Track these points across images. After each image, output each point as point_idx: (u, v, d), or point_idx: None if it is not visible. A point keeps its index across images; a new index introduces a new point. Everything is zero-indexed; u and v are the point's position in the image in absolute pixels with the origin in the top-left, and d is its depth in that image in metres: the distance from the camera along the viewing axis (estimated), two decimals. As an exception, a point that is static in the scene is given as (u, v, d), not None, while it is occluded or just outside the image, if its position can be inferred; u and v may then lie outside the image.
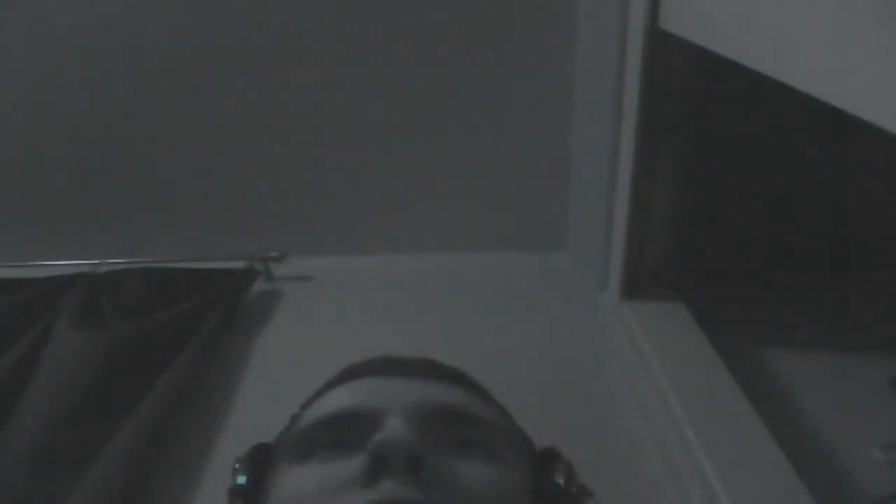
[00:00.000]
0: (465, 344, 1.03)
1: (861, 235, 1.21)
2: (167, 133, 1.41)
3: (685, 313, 1.12)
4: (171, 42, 1.34)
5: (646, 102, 1.03)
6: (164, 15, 1.32)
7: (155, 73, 1.36)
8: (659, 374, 1.00)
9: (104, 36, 1.34)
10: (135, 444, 0.95)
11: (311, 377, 0.68)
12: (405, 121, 1.39)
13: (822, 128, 1.10)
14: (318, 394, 0.65)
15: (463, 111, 1.38)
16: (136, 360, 1.10)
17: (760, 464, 0.82)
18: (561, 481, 0.61)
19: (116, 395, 1.03)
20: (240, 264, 1.35)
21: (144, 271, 1.31)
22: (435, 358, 0.67)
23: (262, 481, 0.61)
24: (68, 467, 0.93)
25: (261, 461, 0.63)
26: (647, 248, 1.17)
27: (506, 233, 1.46)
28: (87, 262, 1.36)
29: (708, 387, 0.96)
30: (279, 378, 1.12)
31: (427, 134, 1.40)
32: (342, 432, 0.56)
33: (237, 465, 0.63)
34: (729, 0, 0.75)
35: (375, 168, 1.43)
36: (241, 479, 0.62)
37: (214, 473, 0.97)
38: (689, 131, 1.10)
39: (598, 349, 1.17)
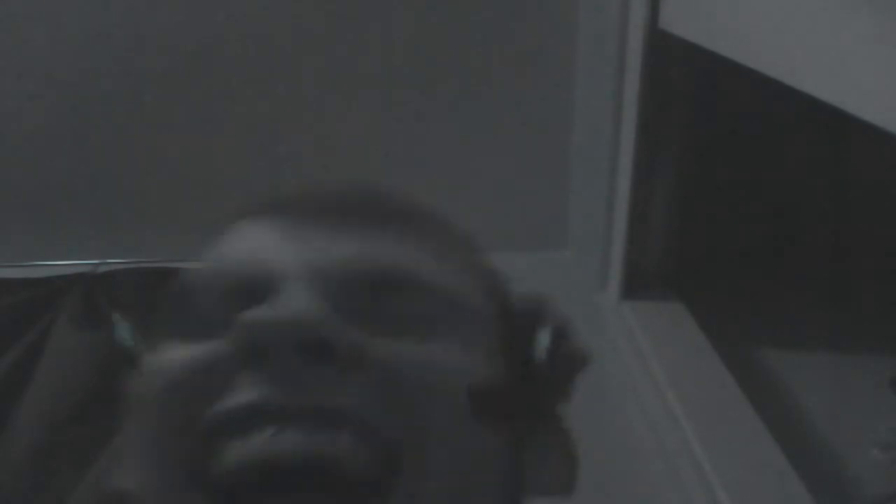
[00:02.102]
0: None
1: (861, 235, 1.21)
2: (168, 133, 1.41)
3: (685, 313, 1.12)
4: (171, 42, 1.34)
5: (646, 102, 1.03)
6: (163, 15, 1.32)
7: (157, 73, 1.36)
8: (659, 374, 1.00)
9: (104, 36, 1.34)
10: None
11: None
12: (405, 121, 1.39)
13: (822, 127, 1.10)
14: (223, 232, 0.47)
15: (463, 111, 1.38)
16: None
17: (760, 464, 0.82)
18: (542, 353, 0.45)
19: (117, 395, 1.03)
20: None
21: (145, 271, 1.31)
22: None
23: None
24: (69, 467, 0.93)
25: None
26: (647, 248, 1.17)
27: (506, 233, 1.46)
28: (87, 262, 1.36)
29: (708, 387, 0.96)
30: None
31: (427, 134, 1.40)
32: (223, 304, 0.40)
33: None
34: (729, 0, 0.75)
35: (375, 168, 1.43)
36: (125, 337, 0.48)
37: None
38: (689, 131, 1.10)
39: (598, 349, 1.17)
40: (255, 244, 0.42)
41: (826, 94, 0.54)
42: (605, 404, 1.05)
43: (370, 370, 0.36)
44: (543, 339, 0.46)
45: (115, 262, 1.35)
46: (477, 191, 1.44)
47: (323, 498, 0.35)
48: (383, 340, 0.37)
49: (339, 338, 0.36)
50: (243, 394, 0.35)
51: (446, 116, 1.38)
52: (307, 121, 1.40)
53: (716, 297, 1.15)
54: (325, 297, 0.38)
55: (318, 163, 1.44)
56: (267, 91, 1.37)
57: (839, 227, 1.21)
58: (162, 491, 0.38)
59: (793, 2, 0.61)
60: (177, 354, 0.39)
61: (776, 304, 1.18)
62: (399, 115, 1.39)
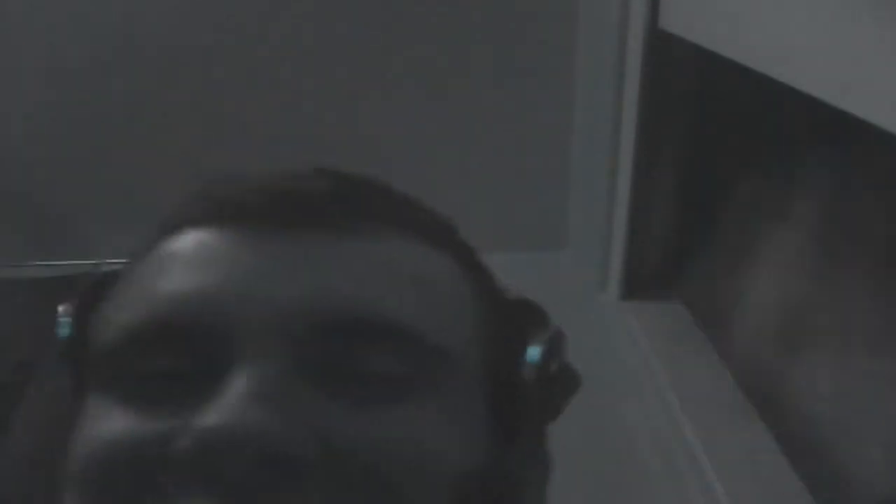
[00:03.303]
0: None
1: (861, 234, 1.21)
2: (168, 133, 1.41)
3: (685, 313, 1.12)
4: (170, 42, 1.34)
5: (646, 102, 1.03)
6: (164, 13, 1.32)
7: (158, 72, 1.36)
8: (659, 374, 1.00)
9: (104, 35, 1.34)
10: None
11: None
12: (404, 121, 1.39)
13: (822, 127, 1.09)
14: (152, 242, 0.38)
15: (463, 111, 1.38)
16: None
17: (760, 464, 0.82)
18: (531, 371, 0.38)
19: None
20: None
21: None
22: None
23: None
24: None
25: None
26: (647, 248, 1.17)
27: (506, 233, 1.46)
28: (87, 262, 1.36)
29: (708, 387, 0.96)
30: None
31: (426, 134, 1.40)
32: (167, 357, 0.32)
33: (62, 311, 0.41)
34: (729, 1, 0.75)
35: (374, 168, 1.43)
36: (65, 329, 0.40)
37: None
38: (689, 131, 1.10)
39: (598, 349, 1.17)
40: (197, 276, 0.33)
41: (826, 94, 0.54)
42: (606, 404, 1.05)
43: (340, 464, 0.30)
44: (534, 355, 0.39)
45: (115, 262, 1.35)
46: (477, 191, 1.44)
47: None
48: (355, 418, 0.31)
49: (306, 449, 0.30)
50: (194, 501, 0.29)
51: (446, 117, 1.38)
52: (308, 121, 1.40)
53: (716, 298, 1.15)
54: (288, 366, 0.31)
55: (318, 162, 1.44)
56: (269, 93, 1.37)
57: (840, 226, 1.20)
58: None
59: (793, 1, 0.61)
60: (115, 426, 0.32)
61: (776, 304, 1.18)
62: (399, 115, 1.39)
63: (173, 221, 0.37)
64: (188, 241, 0.35)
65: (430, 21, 1.32)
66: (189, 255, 0.34)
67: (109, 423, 0.33)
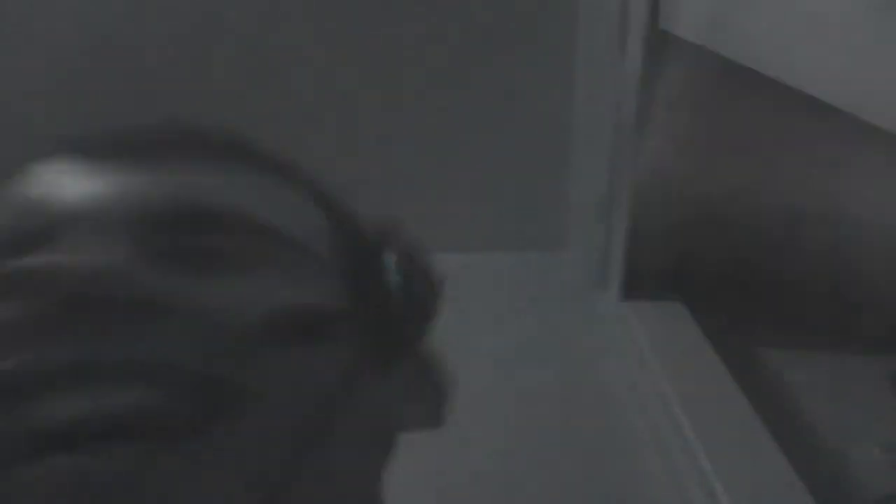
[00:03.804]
0: (465, 344, 1.03)
1: (861, 234, 1.21)
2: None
3: (685, 313, 1.12)
4: (171, 41, 1.34)
5: (646, 102, 1.03)
6: (164, 11, 1.32)
7: (157, 71, 1.36)
8: (659, 374, 1.00)
9: (104, 34, 1.34)
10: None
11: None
12: (404, 121, 1.39)
13: (822, 127, 1.09)
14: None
15: (462, 111, 1.38)
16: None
17: (760, 464, 0.82)
18: (391, 280, 0.40)
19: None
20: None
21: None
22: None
23: None
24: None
25: None
26: (647, 249, 1.17)
27: (505, 233, 1.47)
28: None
29: (708, 387, 0.96)
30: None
31: (425, 134, 1.40)
32: None
33: None
34: (729, 1, 0.75)
35: (374, 168, 1.43)
36: None
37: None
38: (689, 131, 1.10)
39: (598, 349, 1.17)
40: (38, 187, 0.36)
41: (827, 95, 0.54)
42: (605, 404, 1.05)
43: (179, 314, 0.33)
44: (389, 263, 0.41)
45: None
46: (476, 191, 1.44)
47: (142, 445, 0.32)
48: (191, 280, 0.33)
49: (141, 286, 0.32)
50: (45, 351, 0.31)
51: (445, 116, 1.39)
52: (307, 118, 1.40)
53: (716, 298, 1.15)
54: (119, 238, 0.33)
55: (318, 160, 1.44)
56: (268, 87, 1.37)
57: (839, 226, 1.20)
58: None
59: (793, 2, 0.61)
60: None
61: (776, 304, 1.18)
62: (398, 114, 1.39)
63: (29, 161, 0.40)
64: (36, 169, 0.38)
65: (429, 21, 1.32)
66: (35, 177, 0.37)
67: None
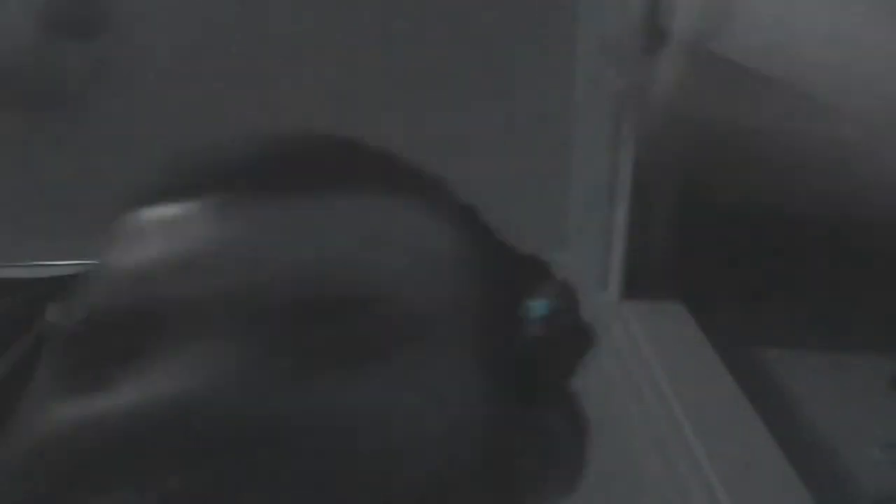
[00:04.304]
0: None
1: (861, 234, 1.21)
2: (168, 132, 1.41)
3: (685, 313, 1.12)
4: (169, 40, 1.34)
5: (646, 102, 1.03)
6: (163, 10, 1.32)
7: (156, 72, 1.36)
8: (659, 375, 1.00)
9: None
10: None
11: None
12: (403, 120, 1.39)
13: (823, 126, 1.09)
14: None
15: (462, 110, 1.38)
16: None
17: (760, 464, 0.82)
18: (536, 328, 0.36)
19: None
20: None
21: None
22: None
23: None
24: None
25: None
26: (648, 249, 1.17)
27: (505, 233, 1.46)
28: (88, 262, 1.36)
29: (708, 387, 0.96)
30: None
31: (425, 134, 1.40)
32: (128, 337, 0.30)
33: None
34: (729, 0, 0.75)
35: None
36: None
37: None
38: (689, 131, 1.10)
39: (598, 349, 1.17)
40: (162, 251, 0.31)
41: (829, 95, 0.54)
42: (605, 404, 1.05)
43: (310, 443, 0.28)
44: (538, 310, 0.38)
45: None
46: (476, 191, 1.44)
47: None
48: (324, 392, 0.29)
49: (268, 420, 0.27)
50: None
51: (445, 117, 1.38)
52: (306, 119, 1.40)
53: (716, 297, 1.15)
54: (253, 341, 0.28)
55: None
56: (267, 87, 1.37)
57: (839, 226, 1.20)
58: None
59: (793, 2, 0.61)
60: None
61: (776, 304, 1.18)
62: (398, 114, 1.39)
63: (146, 196, 0.34)
64: (159, 214, 0.32)
65: (429, 21, 1.32)
66: (157, 230, 0.32)
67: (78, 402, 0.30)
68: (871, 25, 0.52)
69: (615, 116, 1.10)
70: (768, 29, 0.70)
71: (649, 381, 1.02)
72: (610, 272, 1.21)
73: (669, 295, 1.16)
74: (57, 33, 1.21)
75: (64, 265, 1.37)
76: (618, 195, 1.13)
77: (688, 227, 1.17)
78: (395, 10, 1.31)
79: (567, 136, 1.39)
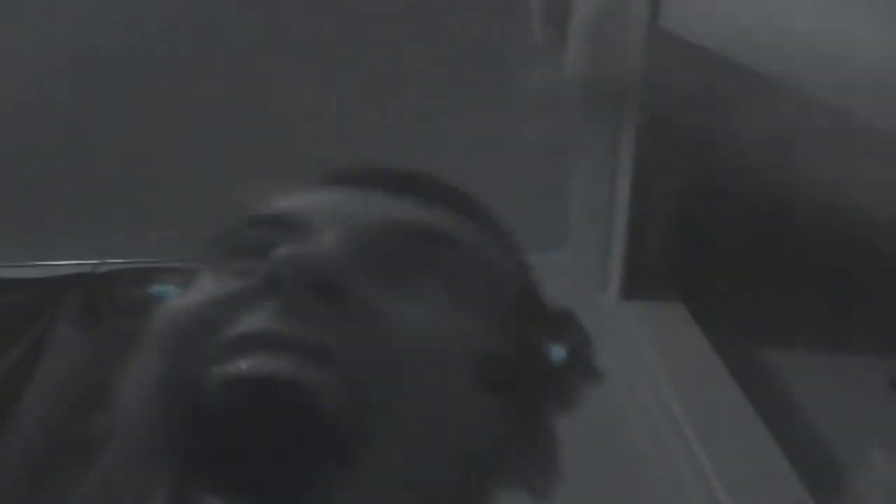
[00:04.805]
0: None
1: (861, 234, 1.21)
2: (168, 133, 1.41)
3: (685, 313, 1.12)
4: (169, 39, 1.34)
5: (646, 102, 1.03)
6: (162, 10, 1.32)
7: (156, 72, 1.36)
8: (659, 374, 1.00)
9: (103, 35, 1.34)
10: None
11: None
12: (403, 121, 1.39)
13: (823, 126, 1.09)
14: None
15: (461, 110, 1.38)
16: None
17: (760, 464, 0.82)
18: (556, 362, 0.45)
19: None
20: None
21: (145, 271, 1.31)
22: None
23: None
24: (69, 467, 0.93)
25: None
26: (647, 248, 1.17)
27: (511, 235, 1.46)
28: (87, 262, 1.36)
29: (708, 387, 0.96)
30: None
31: (425, 134, 1.40)
32: (261, 240, 0.41)
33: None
34: (729, 0, 0.75)
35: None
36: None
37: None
38: (690, 131, 1.10)
39: (598, 349, 1.17)
40: (302, 200, 0.44)
41: (828, 95, 0.54)
42: (605, 404, 1.05)
43: (369, 319, 0.37)
44: (561, 352, 0.46)
45: (115, 262, 1.35)
46: (476, 191, 1.44)
47: (297, 436, 0.34)
48: (393, 295, 0.38)
49: (349, 283, 0.37)
50: (248, 323, 0.36)
51: (445, 117, 1.38)
52: (306, 120, 1.40)
53: (716, 297, 1.15)
54: (349, 245, 0.39)
55: (317, 160, 1.44)
56: (267, 88, 1.37)
57: (839, 226, 1.20)
58: (148, 415, 0.40)
59: (793, 1, 0.61)
60: (205, 288, 0.41)
61: (776, 304, 1.18)
62: (398, 115, 1.39)
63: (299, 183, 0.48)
64: (305, 189, 0.46)
65: (428, 21, 1.32)
66: (304, 192, 0.45)
67: (204, 285, 0.42)
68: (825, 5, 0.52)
69: (615, 116, 1.10)
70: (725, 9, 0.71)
71: (649, 381, 1.02)
72: (610, 272, 1.21)
73: (669, 295, 1.16)
74: None
75: (64, 265, 1.37)
76: (618, 195, 1.13)
77: (688, 227, 1.17)
78: (395, 10, 1.31)
79: (567, 137, 1.39)
